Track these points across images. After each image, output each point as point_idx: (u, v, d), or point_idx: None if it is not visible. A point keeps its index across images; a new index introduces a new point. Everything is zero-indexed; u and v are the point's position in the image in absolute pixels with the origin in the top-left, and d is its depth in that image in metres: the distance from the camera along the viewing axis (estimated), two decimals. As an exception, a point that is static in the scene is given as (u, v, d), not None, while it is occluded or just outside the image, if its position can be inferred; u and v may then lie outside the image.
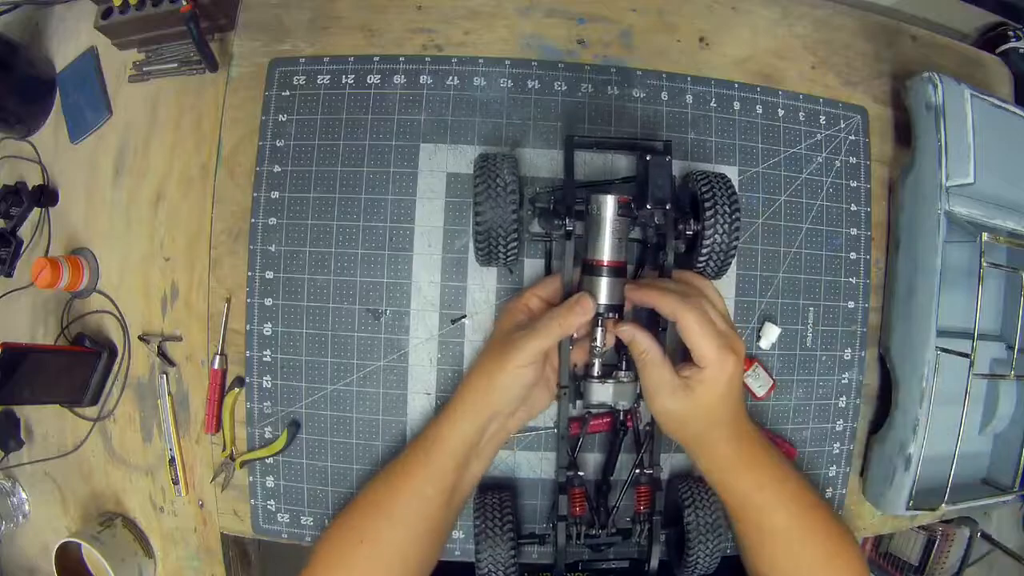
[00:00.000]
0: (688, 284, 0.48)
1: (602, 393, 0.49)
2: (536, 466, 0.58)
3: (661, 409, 0.47)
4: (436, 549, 0.52)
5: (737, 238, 0.48)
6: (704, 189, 0.48)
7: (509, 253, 0.50)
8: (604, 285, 0.48)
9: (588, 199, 0.48)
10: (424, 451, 0.49)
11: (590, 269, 0.48)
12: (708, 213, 0.48)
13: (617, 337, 0.49)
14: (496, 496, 0.52)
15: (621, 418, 0.53)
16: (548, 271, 0.55)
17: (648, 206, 0.48)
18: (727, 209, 0.48)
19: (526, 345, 0.46)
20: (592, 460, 0.58)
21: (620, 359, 0.50)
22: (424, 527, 0.50)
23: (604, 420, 0.56)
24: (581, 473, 0.52)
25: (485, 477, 0.57)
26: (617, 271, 0.48)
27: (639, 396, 0.50)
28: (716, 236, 0.48)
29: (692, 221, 0.49)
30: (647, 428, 0.53)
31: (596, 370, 0.49)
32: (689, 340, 0.44)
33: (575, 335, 0.50)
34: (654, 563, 0.50)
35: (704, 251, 0.49)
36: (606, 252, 0.48)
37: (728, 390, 0.45)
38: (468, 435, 0.48)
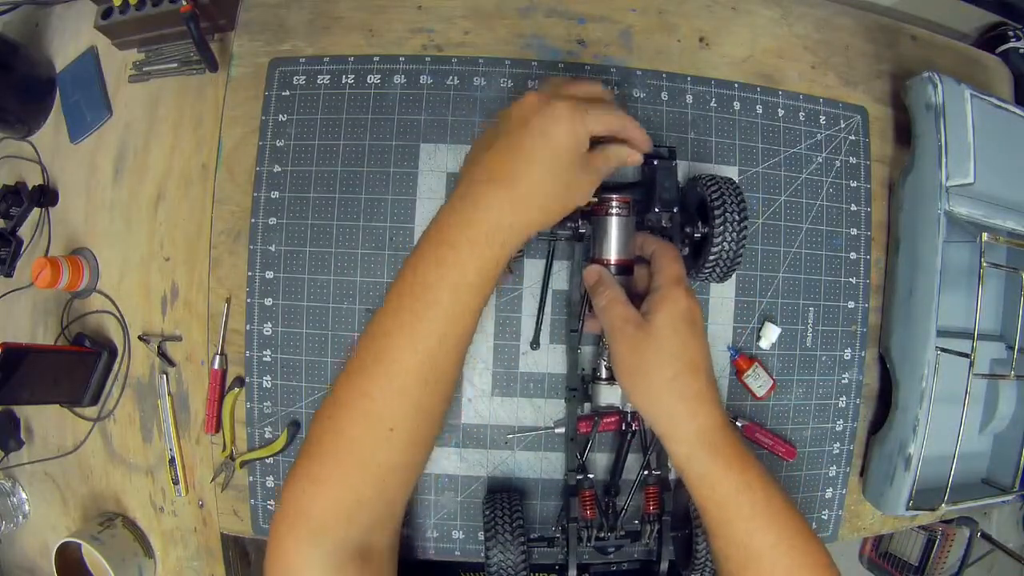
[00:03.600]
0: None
1: (610, 395, 0.49)
2: (536, 466, 0.58)
3: (620, 344, 0.44)
4: (452, 387, 0.43)
5: (744, 244, 0.48)
6: (713, 194, 0.48)
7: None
8: None
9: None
10: (470, 240, 0.39)
11: None
12: (717, 219, 0.48)
13: None
14: (505, 496, 0.52)
15: (628, 419, 0.53)
16: (548, 271, 0.56)
17: (656, 209, 0.48)
18: (736, 217, 0.48)
19: (597, 180, 0.44)
20: (600, 461, 0.58)
21: None
22: (464, 331, 0.41)
23: (612, 419, 0.56)
24: (591, 475, 0.52)
25: (489, 478, 0.57)
26: (624, 269, 0.49)
27: None
28: (724, 243, 0.48)
29: (700, 224, 0.50)
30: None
31: (603, 373, 0.50)
32: (658, 263, 0.45)
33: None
34: (664, 565, 0.50)
35: (712, 256, 0.49)
36: (613, 252, 0.48)
37: (682, 321, 0.42)
38: (524, 237, 0.41)
